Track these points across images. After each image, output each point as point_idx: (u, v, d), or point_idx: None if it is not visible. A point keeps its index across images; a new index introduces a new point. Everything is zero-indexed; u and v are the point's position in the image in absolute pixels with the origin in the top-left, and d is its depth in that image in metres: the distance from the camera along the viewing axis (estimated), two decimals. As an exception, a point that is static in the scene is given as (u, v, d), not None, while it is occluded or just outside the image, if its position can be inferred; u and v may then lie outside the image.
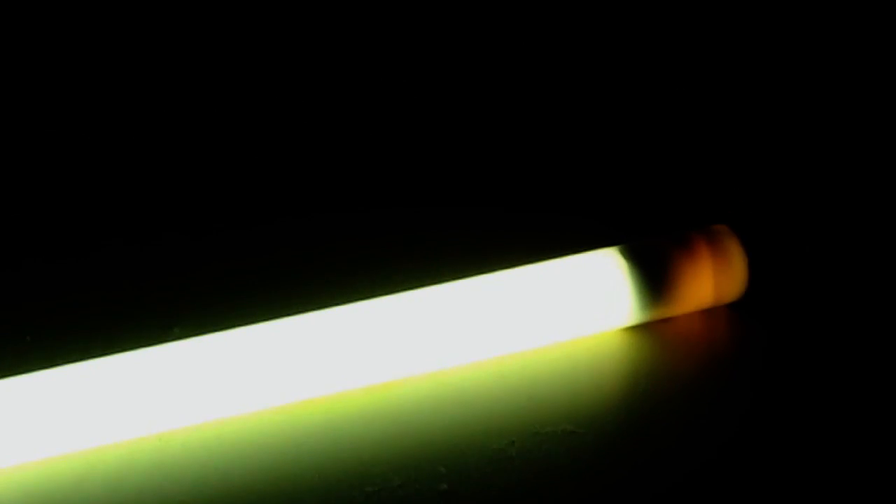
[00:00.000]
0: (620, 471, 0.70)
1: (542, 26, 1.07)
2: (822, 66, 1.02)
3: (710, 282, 0.78)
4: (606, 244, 0.79)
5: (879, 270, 0.84)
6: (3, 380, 0.70)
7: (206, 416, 0.72)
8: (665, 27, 1.06)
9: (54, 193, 0.92)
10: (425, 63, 1.05)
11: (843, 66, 1.02)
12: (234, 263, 0.85)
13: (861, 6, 1.04)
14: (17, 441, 0.69)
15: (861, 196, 0.91)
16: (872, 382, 0.75)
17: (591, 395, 0.76)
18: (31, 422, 0.69)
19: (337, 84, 1.03)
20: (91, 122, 0.99)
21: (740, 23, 1.05)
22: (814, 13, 1.04)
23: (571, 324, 0.77)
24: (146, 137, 0.98)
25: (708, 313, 0.80)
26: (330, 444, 0.71)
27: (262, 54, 1.04)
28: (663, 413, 0.74)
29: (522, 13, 1.07)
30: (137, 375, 0.71)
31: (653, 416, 0.73)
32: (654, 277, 0.78)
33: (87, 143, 0.97)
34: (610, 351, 0.78)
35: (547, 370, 0.76)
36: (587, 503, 0.68)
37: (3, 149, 0.96)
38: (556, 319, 0.77)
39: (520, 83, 1.03)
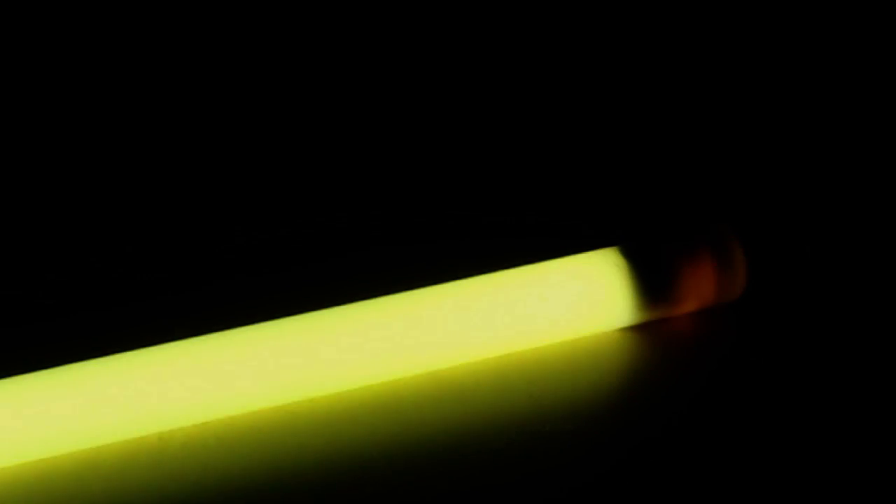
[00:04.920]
0: (620, 471, 0.70)
1: (541, 26, 1.07)
2: (822, 66, 1.02)
3: (710, 281, 0.78)
4: (606, 244, 0.79)
5: (879, 270, 0.84)
6: (3, 380, 0.70)
7: (206, 416, 0.72)
8: (665, 27, 1.06)
9: (54, 193, 0.92)
10: (425, 65, 1.05)
11: (843, 66, 1.02)
12: (234, 263, 0.85)
13: (861, 6, 1.04)
14: (17, 441, 0.69)
15: (861, 196, 0.91)
16: (872, 382, 0.75)
17: (590, 395, 0.76)
18: (31, 422, 0.69)
19: (336, 85, 1.03)
20: (91, 121, 0.99)
21: (740, 23, 1.05)
22: (814, 13, 1.04)
23: (571, 324, 0.77)
24: (146, 136, 0.98)
25: (708, 313, 0.80)
26: (330, 444, 0.71)
27: (257, 55, 1.04)
28: (662, 413, 0.73)
29: (519, 13, 1.07)
30: (137, 375, 0.71)
31: (652, 416, 0.73)
32: (653, 277, 0.77)
33: (87, 142, 0.97)
34: (610, 351, 0.78)
35: (547, 370, 0.76)
36: (587, 503, 0.68)
37: (3, 149, 0.96)
38: (556, 319, 0.77)
39: (521, 84, 1.03)
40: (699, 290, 0.78)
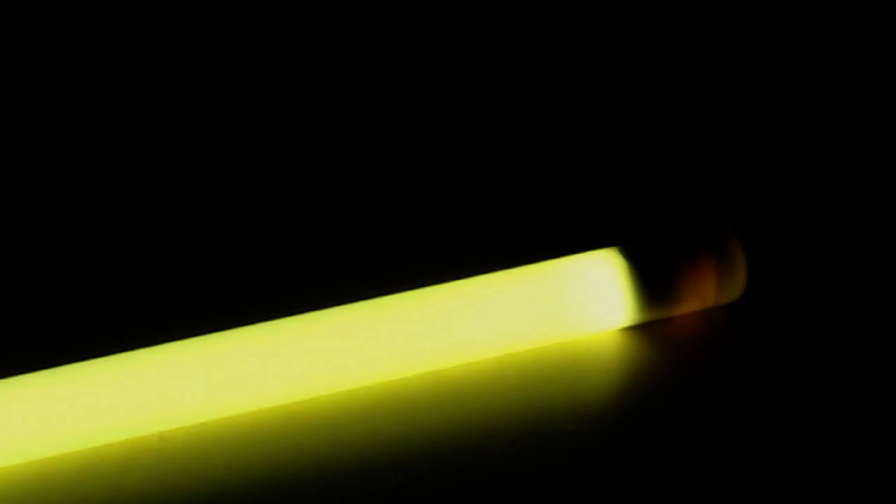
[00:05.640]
0: (620, 471, 0.70)
1: (542, 25, 1.07)
2: (822, 66, 1.02)
3: (710, 282, 0.78)
4: (606, 244, 0.79)
5: (879, 270, 0.84)
6: (3, 380, 0.70)
7: (206, 416, 0.72)
8: (665, 27, 1.06)
9: (54, 193, 0.93)
10: (425, 63, 1.05)
11: (843, 66, 1.02)
12: (235, 263, 0.85)
13: (861, 6, 1.04)
14: (17, 441, 0.69)
15: (861, 196, 0.91)
16: (872, 382, 0.75)
17: (590, 395, 0.76)
18: (31, 422, 0.69)
19: (336, 84, 1.03)
20: (91, 122, 0.99)
21: (740, 23, 1.05)
22: (814, 13, 1.04)
23: (571, 324, 0.77)
24: (146, 137, 0.98)
25: (708, 313, 0.80)
26: (330, 444, 0.71)
27: (257, 54, 1.04)
28: (663, 413, 0.74)
29: (521, 12, 1.07)
30: (137, 375, 0.71)
31: (652, 416, 0.73)
32: (653, 277, 0.78)
33: (87, 142, 0.97)
34: (610, 351, 0.78)
35: (547, 370, 0.76)
36: (587, 503, 0.68)
37: (3, 149, 0.96)
38: (557, 319, 0.77)
39: (521, 83, 1.03)
40: (699, 290, 0.78)
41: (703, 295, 0.79)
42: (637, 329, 0.79)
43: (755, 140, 0.97)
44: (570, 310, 0.77)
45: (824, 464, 0.70)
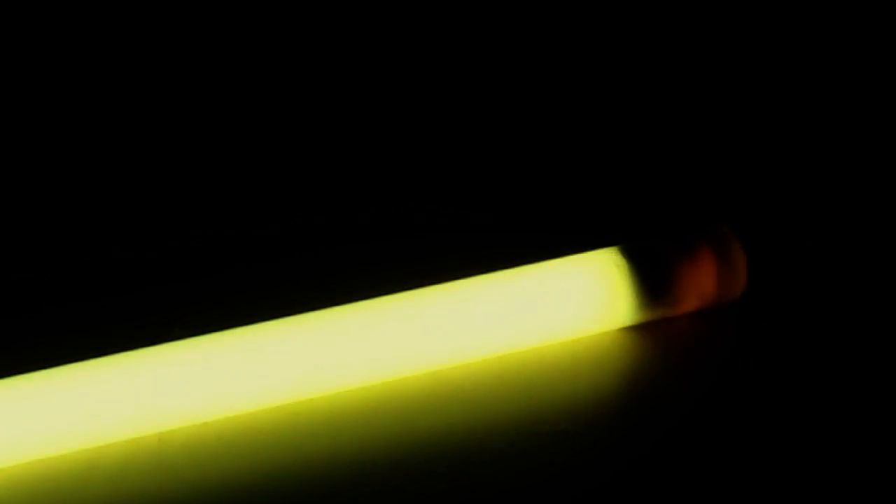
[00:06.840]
0: (620, 471, 0.70)
1: (541, 26, 1.07)
2: (822, 66, 1.02)
3: (710, 281, 0.78)
4: (607, 244, 0.79)
5: (879, 270, 0.84)
6: (3, 380, 0.70)
7: (206, 416, 0.72)
8: (665, 27, 1.06)
9: (54, 193, 0.92)
10: (425, 64, 1.05)
11: (843, 66, 1.02)
12: (235, 263, 0.85)
13: (861, 6, 1.04)
14: (17, 441, 0.69)
15: (861, 196, 0.91)
16: (873, 382, 0.75)
17: (591, 395, 0.76)
18: (31, 422, 0.69)
19: (335, 86, 1.03)
20: (91, 122, 0.99)
21: (740, 23, 1.05)
22: (814, 13, 1.04)
23: (571, 324, 0.77)
24: (145, 137, 0.98)
25: (708, 313, 0.80)
26: (330, 444, 0.71)
27: (256, 55, 1.04)
28: (663, 413, 0.74)
29: (519, 12, 1.07)
30: (137, 375, 0.71)
31: (652, 416, 0.73)
32: (654, 277, 0.77)
33: (86, 142, 0.97)
34: (610, 351, 0.78)
35: (547, 370, 0.76)
36: (586, 503, 0.68)
37: (3, 149, 0.96)
38: (557, 319, 0.77)
39: (521, 83, 1.03)
40: (699, 289, 0.78)
41: (703, 294, 0.79)
42: (637, 329, 0.79)
43: (755, 140, 0.97)
44: (570, 310, 0.77)
45: (824, 463, 0.70)
